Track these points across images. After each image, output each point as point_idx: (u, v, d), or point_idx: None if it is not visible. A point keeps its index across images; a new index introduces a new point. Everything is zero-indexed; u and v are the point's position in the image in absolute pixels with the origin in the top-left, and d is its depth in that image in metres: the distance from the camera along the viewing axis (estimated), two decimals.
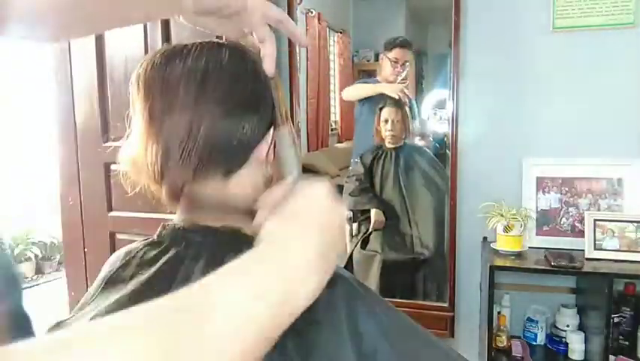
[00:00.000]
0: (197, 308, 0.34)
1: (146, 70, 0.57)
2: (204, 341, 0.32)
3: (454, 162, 1.76)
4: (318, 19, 2.33)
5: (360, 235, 2.14)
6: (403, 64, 2.04)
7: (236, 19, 0.58)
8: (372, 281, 2.04)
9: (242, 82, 0.56)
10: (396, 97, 2.01)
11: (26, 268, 3.94)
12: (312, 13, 2.28)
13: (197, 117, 0.54)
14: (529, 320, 1.72)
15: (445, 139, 1.94)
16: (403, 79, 2.06)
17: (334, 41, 2.46)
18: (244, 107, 0.56)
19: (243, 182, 0.58)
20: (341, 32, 2.41)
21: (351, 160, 2.28)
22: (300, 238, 0.44)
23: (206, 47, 0.57)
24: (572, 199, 1.69)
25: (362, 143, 2.25)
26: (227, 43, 0.59)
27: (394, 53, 2.04)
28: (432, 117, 2.15)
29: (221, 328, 0.34)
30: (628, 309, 1.57)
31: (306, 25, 2.27)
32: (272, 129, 0.59)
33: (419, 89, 2.26)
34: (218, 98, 0.55)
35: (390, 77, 2.09)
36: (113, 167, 1.70)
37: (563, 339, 1.63)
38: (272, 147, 0.59)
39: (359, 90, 2.18)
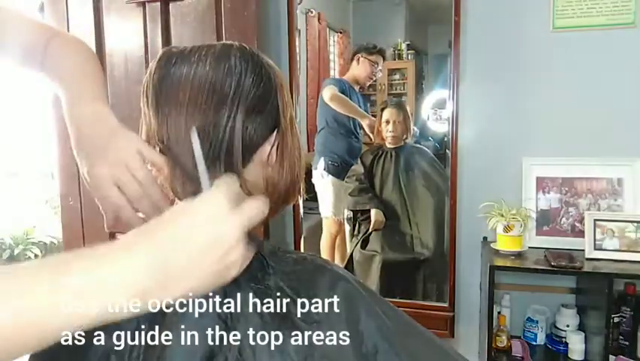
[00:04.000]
0: None
1: (155, 72, 0.58)
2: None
3: (454, 162, 1.76)
4: (318, 19, 2.33)
5: (360, 235, 2.14)
6: (377, 69, 2.25)
7: None
8: (372, 281, 2.04)
9: (249, 83, 0.57)
10: (369, 130, 2.19)
11: None
12: (312, 13, 2.28)
13: (201, 117, 0.55)
14: (529, 320, 1.72)
15: (445, 139, 1.94)
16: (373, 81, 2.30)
17: (334, 41, 2.46)
18: (249, 108, 0.56)
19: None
20: (341, 32, 2.41)
21: (314, 169, 2.25)
22: (131, 249, 0.40)
23: (214, 50, 0.57)
24: (572, 199, 1.69)
25: (334, 147, 2.26)
26: (236, 46, 0.59)
27: (375, 57, 2.20)
28: (432, 117, 2.15)
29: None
30: (628, 309, 1.57)
31: (306, 25, 2.26)
32: (275, 132, 0.59)
33: (419, 89, 2.26)
34: (224, 98, 0.55)
35: (367, 78, 2.23)
36: None
37: (563, 339, 1.63)
38: (275, 149, 0.59)
39: (347, 107, 2.21)
